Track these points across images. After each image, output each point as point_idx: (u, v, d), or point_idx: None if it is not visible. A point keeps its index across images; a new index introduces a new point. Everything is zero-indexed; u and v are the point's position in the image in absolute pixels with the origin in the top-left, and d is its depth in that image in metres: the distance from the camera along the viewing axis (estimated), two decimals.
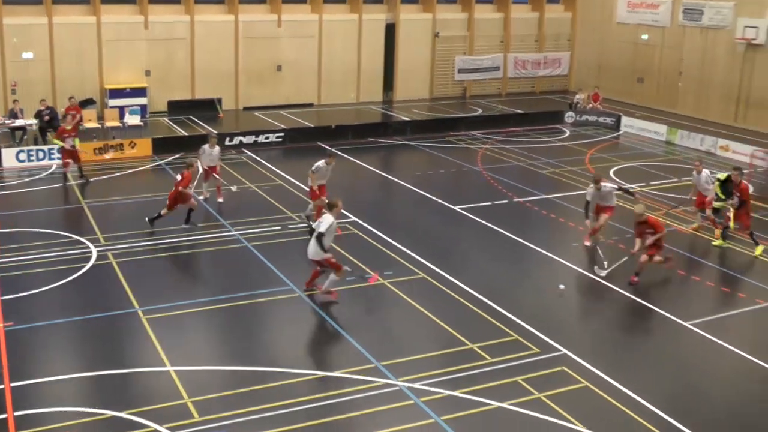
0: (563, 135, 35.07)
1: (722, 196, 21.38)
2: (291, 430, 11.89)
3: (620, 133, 35.85)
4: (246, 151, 29.73)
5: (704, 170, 21.80)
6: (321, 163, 21.00)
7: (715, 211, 21.58)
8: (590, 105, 39.00)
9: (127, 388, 13.08)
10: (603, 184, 19.87)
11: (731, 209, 20.83)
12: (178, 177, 20.63)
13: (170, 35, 36.15)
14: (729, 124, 37.09)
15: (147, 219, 20.55)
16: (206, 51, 36.89)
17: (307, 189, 21.72)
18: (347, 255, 19.04)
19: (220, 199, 23.02)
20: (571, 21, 46.41)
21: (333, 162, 21.29)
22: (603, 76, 44.12)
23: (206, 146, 22.95)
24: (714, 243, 20.83)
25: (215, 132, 30.09)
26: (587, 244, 20.13)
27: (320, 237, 15.89)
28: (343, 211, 22.26)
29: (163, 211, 20.50)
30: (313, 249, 16.14)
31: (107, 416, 12.08)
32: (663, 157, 31.37)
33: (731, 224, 21.02)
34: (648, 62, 41.93)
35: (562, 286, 17.38)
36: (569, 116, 37.76)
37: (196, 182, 21.10)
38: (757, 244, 20.24)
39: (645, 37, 41.81)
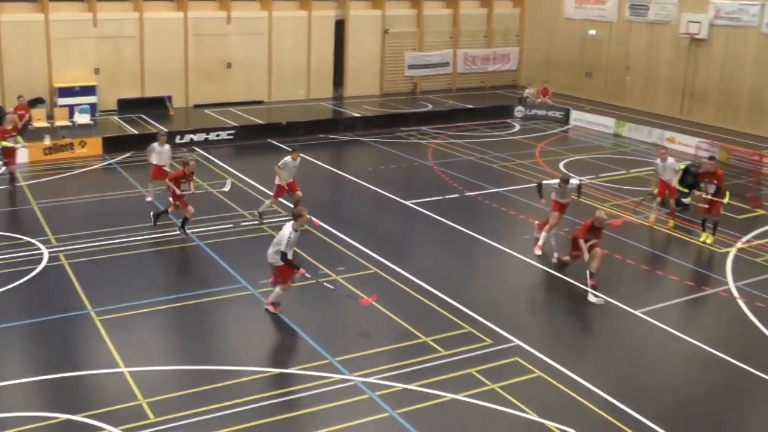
0: (513, 129, 35.41)
1: (684, 189, 21.78)
2: (247, 428, 11.91)
3: (569, 126, 36.31)
4: (197, 149, 29.56)
5: (669, 158, 21.91)
6: (287, 158, 21.03)
7: (678, 202, 21.87)
8: (540, 99, 39.40)
9: (81, 391, 12.98)
10: (572, 182, 19.97)
11: (703, 200, 20.58)
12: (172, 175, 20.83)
13: (119, 33, 35.75)
14: (675, 116, 37.77)
15: (179, 229, 20.35)
16: (156, 48, 36.57)
17: (274, 185, 21.48)
18: (305, 255, 19.08)
19: (149, 198, 22.82)
20: (520, 17, 46.80)
21: (299, 157, 21.28)
22: (552, 71, 44.61)
23: (155, 144, 22.73)
24: (707, 240, 20.55)
25: (165, 130, 29.88)
26: (537, 236, 20.22)
27: (285, 257, 14.90)
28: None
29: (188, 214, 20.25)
30: (271, 255, 15.27)
31: (61, 420, 11.98)
32: (612, 149, 31.83)
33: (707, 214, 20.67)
34: (596, 57, 42.49)
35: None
36: (519, 111, 38.11)
37: (186, 184, 20.60)
38: (713, 234, 20.52)
39: (592, 32, 42.34)
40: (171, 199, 20.35)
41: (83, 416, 12.03)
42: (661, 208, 22.10)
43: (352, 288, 16.15)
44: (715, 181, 20.49)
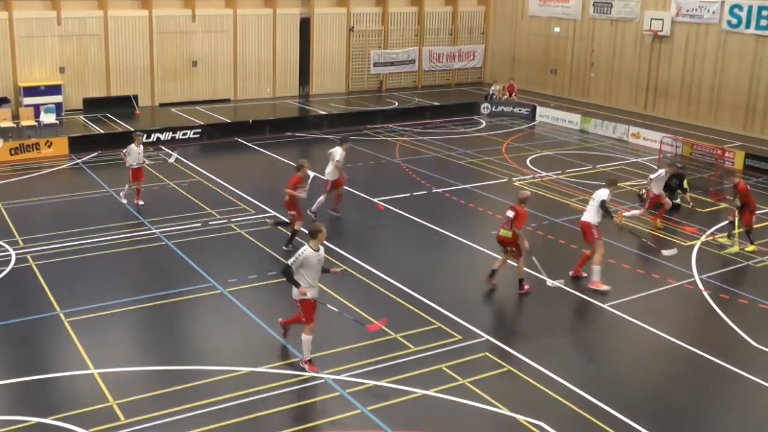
0: (480, 126, 35.60)
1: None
2: (218, 427, 11.91)
3: (535, 123, 36.57)
4: (163, 147, 29.39)
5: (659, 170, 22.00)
6: (340, 150, 21.66)
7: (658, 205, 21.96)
8: (505, 96, 39.65)
9: (51, 393, 12.91)
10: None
11: (735, 210, 20.34)
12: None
13: (83, 31, 35.49)
14: (639, 112, 38.24)
15: (284, 247, 19.19)
16: (121, 47, 36.38)
17: (324, 182, 22.00)
18: (269, 251, 19.09)
19: (141, 202, 22.57)
20: (485, 14, 47.03)
21: (348, 148, 22.09)
22: (517, 67, 44.90)
23: (133, 145, 22.31)
24: (730, 251, 20.07)
25: (132, 129, 29.68)
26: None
27: (287, 271, 13.31)
28: (262, 205, 22.40)
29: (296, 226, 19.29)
30: (295, 291, 13.54)
31: (32, 423, 11.91)
32: (577, 145, 32.12)
33: (736, 223, 20.39)
34: (560, 54, 42.82)
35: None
36: (485, 107, 38.33)
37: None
38: (752, 242, 20.16)
39: (557, 30, 42.67)
40: (292, 210, 19.14)
41: (54, 419, 11.97)
42: (652, 210, 22.07)
43: (359, 311, 15.84)
44: (737, 195, 20.18)
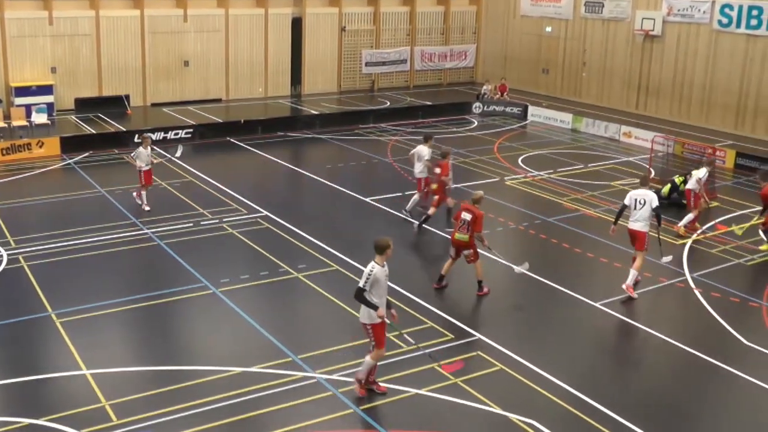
0: (471, 125, 35.64)
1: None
2: (211, 428, 11.91)
3: (527, 122, 36.64)
4: (155, 147, 29.19)
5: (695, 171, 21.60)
6: (426, 147, 21.99)
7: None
8: (497, 96, 39.69)
9: (44, 395, 12.89)
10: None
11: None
12: (436, 170, 21.12)
13: (75, 31, 35.44)
14: (630, 111, 38.34)
15: (416, 224, 21.28)
16: (112, 47, 36.34)
17: (415, 180, 22.45)
18: (261, 250, 19.09)
19: (145, 205, 22.22)
20: (476, 14, 47.09)
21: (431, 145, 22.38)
22: (509, 67, 44.96)
23: (141, 148, 22.07)
24: (762, 247, 20.00)
25: (124, 129, 29.63)
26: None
27: (360, 294, 12.39)
28: (254, 205, 22.40)
29: (430, 211, 21.05)
30: (364, 309, 12.60)
31: (24, 424, 11.88)
32: (569, 144, 32.18)
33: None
34: (552, 53, 42.89)
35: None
36: (477, 107, 38.38)
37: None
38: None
39: (549, 29, 42.76)
40: (438, 194, 21.12)
41: (46, 420, 11.94)
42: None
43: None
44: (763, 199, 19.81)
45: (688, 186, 21.42)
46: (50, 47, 35.03)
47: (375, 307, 12.27)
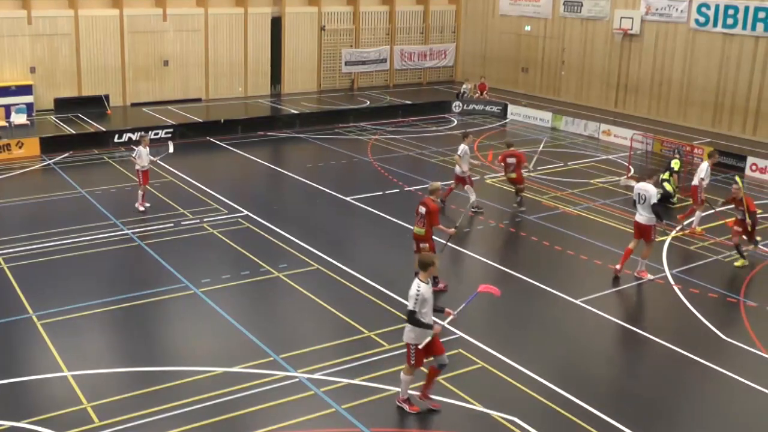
0: (451, 124, 35.72)
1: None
2: (193, 428, 11.91)
3: (507, 120, 36.78)
4: (135, 147, 29.18)
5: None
6: (464, 146, 21.95)
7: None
8: (477, 94, 39.81)
9: (25, 397, 12.84)
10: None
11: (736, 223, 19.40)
12: (510, 159, 22.60)
13: (54, 30, 35.30)
14: (609, 109, 38.58)
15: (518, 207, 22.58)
16: (92, 46, 36.22)
17: (454, 176, 22.59)
18: (242, 250, 19.08)
19: (144, 206, 22.16)
20: (456, 13, 47.21)
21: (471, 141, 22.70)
22: (488, 66, 45.11)
23: (141, 147, 21.97)
24: (736, 264, 19.09)
25: (102, 128, 29.52)
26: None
27: (413, 317, 11.91)
28: (234, 205, 22.37)
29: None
30: (409, 330, 12.16)
31: (5, 427, 11.85)
32: (549, 143, 32.26)
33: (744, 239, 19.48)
34: (531, 52, 43.08)
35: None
36: (456, 106, 38.49)
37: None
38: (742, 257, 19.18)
39: (528, 28, 42.95)
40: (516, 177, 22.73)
41: (27, 422, 11.90)
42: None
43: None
44: (741, 208, 19.04)
45: (694, 182, 21.30)
46: (29, 47, 34.86)
47: (430, 326, 11.95)
